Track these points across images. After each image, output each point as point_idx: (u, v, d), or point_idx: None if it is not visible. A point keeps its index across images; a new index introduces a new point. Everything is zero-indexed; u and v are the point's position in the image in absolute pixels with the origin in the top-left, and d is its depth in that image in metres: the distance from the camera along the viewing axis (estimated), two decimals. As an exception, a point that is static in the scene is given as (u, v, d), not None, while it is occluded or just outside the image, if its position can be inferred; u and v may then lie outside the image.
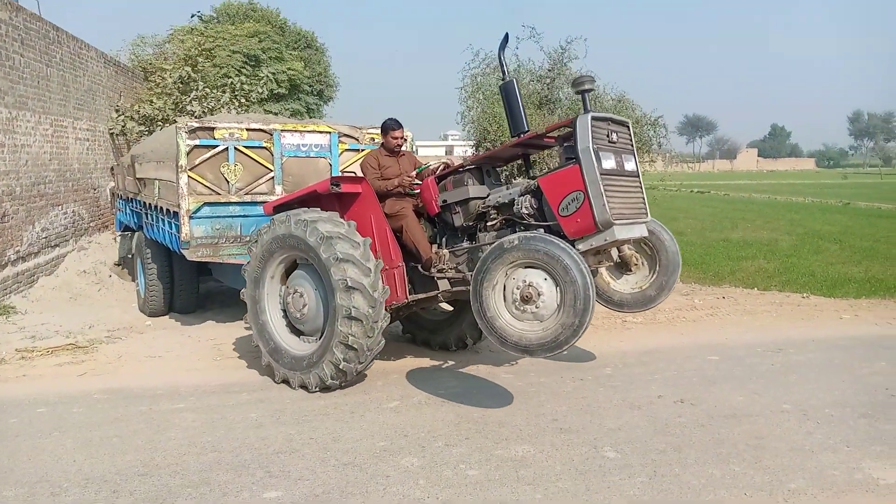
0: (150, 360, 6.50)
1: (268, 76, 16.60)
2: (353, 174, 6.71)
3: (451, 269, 5.60)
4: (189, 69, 14.93)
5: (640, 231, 5.05)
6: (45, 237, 9.78)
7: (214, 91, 14.93)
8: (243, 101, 15.33)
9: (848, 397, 5.49)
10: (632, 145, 5.17)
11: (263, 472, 4.12)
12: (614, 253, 5.30)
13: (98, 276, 10.05)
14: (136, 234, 9.03)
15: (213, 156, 7.01)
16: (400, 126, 5.98)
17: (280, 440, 4.58)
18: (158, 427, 4.81)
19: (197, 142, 6.92)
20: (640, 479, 4.07)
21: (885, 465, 4.26)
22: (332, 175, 5.89)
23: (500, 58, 5.75)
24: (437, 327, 6.88)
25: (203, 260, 7.13)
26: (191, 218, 6.90)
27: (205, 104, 14.38)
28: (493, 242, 4.91)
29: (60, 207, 10.34)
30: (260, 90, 15.89)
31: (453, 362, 6.52)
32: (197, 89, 14.63)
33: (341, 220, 5.47)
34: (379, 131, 7.54)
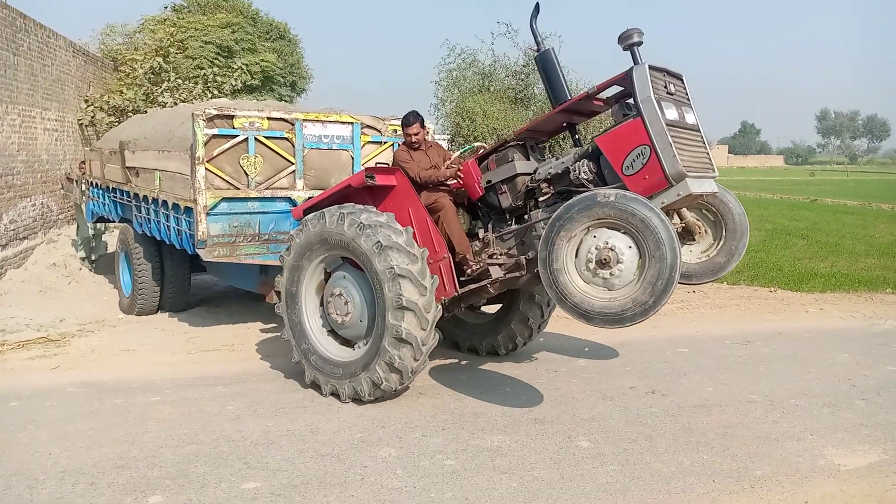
0: (123, 354, 6.46)
1: (241, 67, 16.47)
2: (386, 164, 6.15)
3: (500, 254, 5.25)
4: (160, 60, 14.77)
5: (710, 186, 4.64)
6: (14, 229, 9.62)
7: (187, 82, 14.77)
8: (216, 92, 15.19)
9: (812, 388, 5.67)
10: (689, 98, 4.79)
11: (242, 463, 4.14)
12: (676, 220, 4.93)
13: (68, 269, 9.91)
14: (122, 228, 8.56)
15: (233, 146, 6.41)
16: (416, 120, 5.56)
17: (258, 432, 4.60)
18: (135, 420, 4.80)
19: (215, 131, 6.29)
20: (612, 467, 4.17)
21: (846, 452, 4.43)
22: (365, 168, 5.35)
23: (532, 27, 5.27)
24: (482, 330, 6.44)
25: (219, 260, 6.54)
26: (208, 215, 6.30)
27: (176, 95, 14.24)
28: (548, 217, 4.59)
29: (29, 199, 10.18)
30: (233, 82, 15.76)
31: (429, 355, 6.58)
32: (169, 80, 14.47)
33: (400, 227, 5.02)
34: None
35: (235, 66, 16.27)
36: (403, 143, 5.69)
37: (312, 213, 5.33)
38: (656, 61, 4.57)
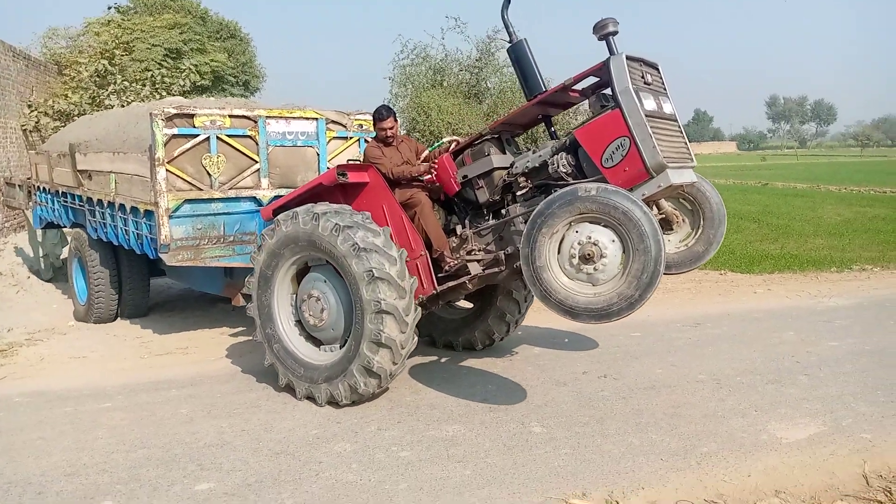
0: (73, 361, 6.33)
1: (189, 68, 16.19)
2: (358, 161, 5.98)
3: (478, 250, 5.19)
4: (106, 63, 14.45)
5: (690, 176, 4.61)
6: (-44, 239, 9.34)
7: (134, 84, 14.49)
8: (165, 94, 14.93)
9: (758, 365, 5.85)
10: (666, 87, 4.75)
11: (195, 465, 4.11)
12: (654, 210, 4.91)
13: (15, 277, 9.67)
14: (74, 233, 8.25)
15: (194, 146, 6.20)
16: (389, 114, 5.46)
17: (211, 433, 4.57)
18: (85, 427, 4.72)
19: (175, 130, 6.09)
20: (564, 450, 4.26)
21: (787, 426, 4.59)
22: (337, 165, 5.22)
23: (503, 18, 5.13)
24: (459, 326, 6.38)
25: (184, 264, 6.36)
26: (170, 218, 6.12)
27: (124, 98, 13.95)
28: (527, 212, 4.62)
29: (-29, 208, 9.89)
30: (182, 82, 15.50)
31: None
32: (115, 83, 14.17)
33: (377, 227, 4.92)
34: (368, 117, 7.14)
35: (184, 67, 16.00)
36: (374, 139, 5.56)
37: (284, 213, 5.17)
38: (633, 51, 4.49)
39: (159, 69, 15.43)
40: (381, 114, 5.43)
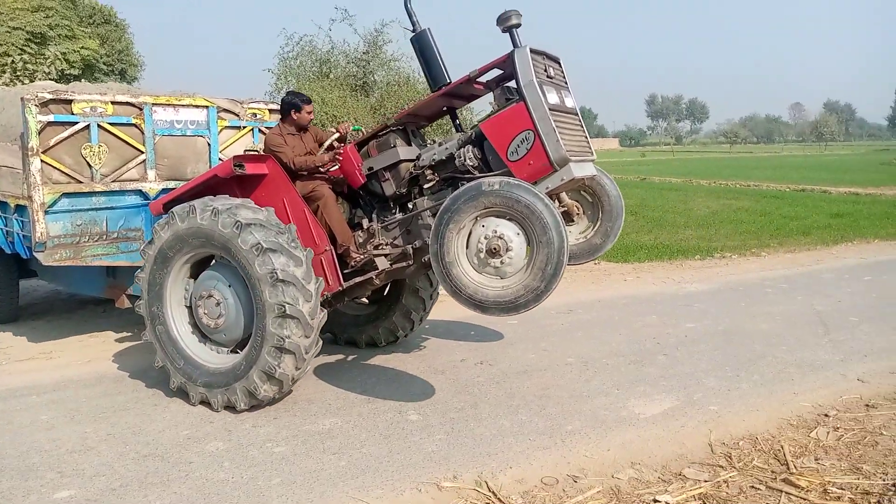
0: (-81, 372, 5.85)
1: (56, 55, 15.19)
2: (256, 152, 5.64)
3: (385, 244, 5.10)
4: (-42, 46, 13.31)
5: (590, 169, 4.68)
6: None
7: (-9, 71, 13.45)
8: (27, 82, 13.94)
9: (622, 348, 6.24)
10: (567, 81, 4.79)
11: (54, 473, 3.93)
12: (555, 203, 4.77)
13: None
14: None
15: (72, 135, 5.78)
16: (311, 100, 5.37)
17: (74, 439, 4.37)
18: (-71, 441, 4.39)
19: (51, 118, 5.65)
20: (438, 436, 4.39)
21: (645, 403, 4.95)
22: (234, 156, 4.98)
23: (406, 6, 5.03)
24: (362, 322, 6.28)
25: (63, 263, 5.90)
26: (46, 213, 5.68)
27: (-20, 86, 12.90)
28: (434, 206, 4.64)
29: None
30: (46, 69, 14.52)
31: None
32: (-31, 69, 13.10)
33: (282, 225, 4.75)
34: (262, 106, 6.96)
35: (49, 54, 15.00)
36: (280, 126, 5.35)
37: (180, 206, 4.87)
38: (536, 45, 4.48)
39: (21, 55, 14.38)
40: (304, 99, 5.29)
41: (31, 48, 15.04)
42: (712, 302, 8.02)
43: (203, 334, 5.07)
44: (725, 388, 5.22)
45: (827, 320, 7.15)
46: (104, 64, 19.30)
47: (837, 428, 4.54)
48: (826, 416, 4.75)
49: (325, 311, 4.85)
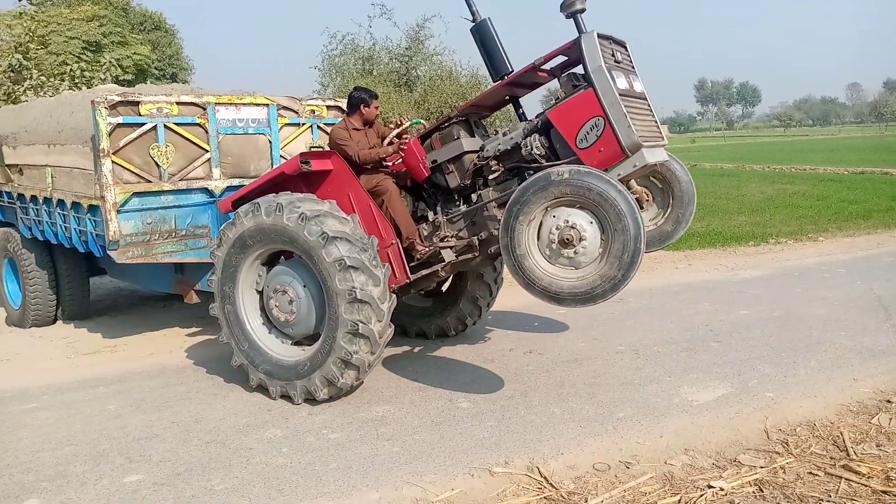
0: (-4, 365, 6.18)
1: (110, 62, 15.72)
2: (321, 148, 5.66)
3: (451, 236, 5.08)
4: (20, 57, 13.88)
5: (662, 155, 4.58)
6: None
7: (51, 79, 13.99)
8: (85, 88, 14.47)
9: (674, 335, 6.18)
10: (634, 66, 4.68)
11: (123, 458, 4.12)
12: None
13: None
14: (2, 233, 7.73)
15: (140, 136, 5.86)
16: (378, 95, 5.43)
17: (140, 427, 4.57)
18: (8, 428, 4.64)
19: (120, 119, 5.73)
20: (489, 423, 4.44)
21: (698, 390, 4.89)
22: (300, 153, 5.02)
23: None
24: (430, 313, 6.32)
25: (135, 261, 6.00)
26: (118, 212, 5.76)
27: (41, 94, 13.45)
28: (500, 196, 4.64)
29: None
30: (102, 76, 15.04)
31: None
32: (31, 77, 13.65)
33: (345, 215, 4.79)
34: (321, 103, 7.03)
35: (104, 61, 15.53)
36: (346, 120, 5.38)
37: (245, 205, 4.96)
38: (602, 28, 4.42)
39: (78, 63, 14.94)
40: (372, 94, 5.31)
41: (87, 56, 15.61)
42: (767, 288, 7.85)
43: (278, 329, 5.13)
44: (781, 375, 5.13)
45: (888, 304, 6.94)
46: (156, 69, 19.89)
47: (900, 413, 4.42)
48: (889, 402, 4.63)
49: (394, 297, 4.84)
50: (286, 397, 4.93)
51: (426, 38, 16.21)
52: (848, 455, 3.90)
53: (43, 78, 13.84)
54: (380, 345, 4.69)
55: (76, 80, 14.55)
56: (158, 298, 8.45)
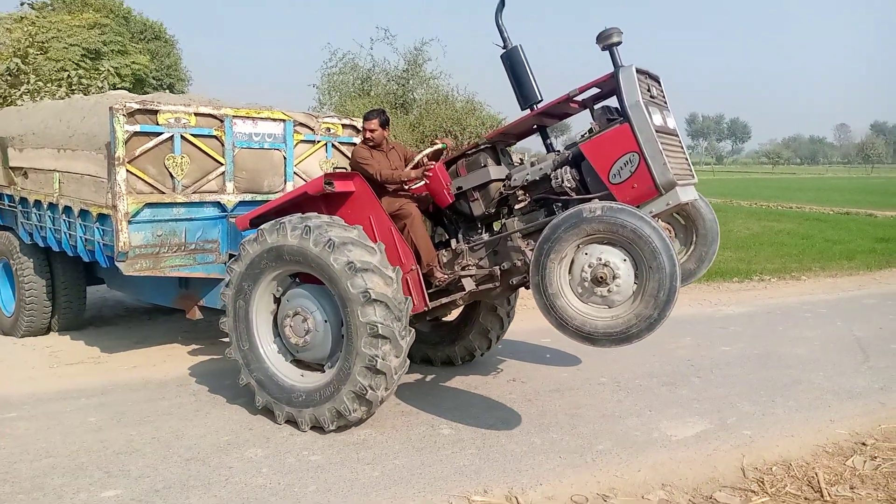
0: (-24, 372, 6.14)
1: (109, 70, 15.76)
2: (344, 169, 5.64)
3: (472, 265, 4.98)
4: (18, 61, 13.90)
5: (693, 193, 4.52)
6: None
7: (49, 85, 14.00)
8: (82, 95, 14.49)
9: (655, 369, 6.24)
10: (667, 101, 4.61)
11: (102, 472, 4.11)
12: None
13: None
14: (2, 236, 7.57)
15: (157, 145, 5.71)
16: (377, 116, 5.24)
17: (120, 441, 4.56)
18: (-14, 438, 4.62)
19: (137, 127, 5.58)
20: (469, 451, 4.46)
21: (677, 425, 4.95)
22: (325, 173, 4.96)
23: (497, 22, 4.88)
24: (438, 341, 6.23)
25: (142, 273, 5.83)
26: (129, 223, 5.61)
27: (37, 98, 13.45)
28: (525, 227, 4.60)
29: None
30: (100, 84, 15.07)
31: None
32: (28, 82, 13.66)
33: (372, 244, 4.67)
34: (336, 121, 6.95)
35: (103, 69, 15.58)
36: (362, 141, 5.38)
37: (269, 223, 4.84)
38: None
39: (76, 70, 14.96)
40: (370, 114, 5.25)
41: (86, 63, 15.64)
42: (749, 325, 7.95)
43: (288, 352, 5.03)
44: (760, 413, 5.19)
45: (867, 346, 7.05)
46: (153, 78, 19.94)
47: (875, 457, 4.49)
48: (863, 444, 4.70)
49: (413, 332, 4.73)
50: (291, 422, 4.83)
51: (424, 61, 16.39)
52: (822, 496, 3.96)
53: (40, 83, 13.85)
54: (395, 381, 4.60)
55: (73, 87, 14.58)
56: (144, 311, 8.43)
